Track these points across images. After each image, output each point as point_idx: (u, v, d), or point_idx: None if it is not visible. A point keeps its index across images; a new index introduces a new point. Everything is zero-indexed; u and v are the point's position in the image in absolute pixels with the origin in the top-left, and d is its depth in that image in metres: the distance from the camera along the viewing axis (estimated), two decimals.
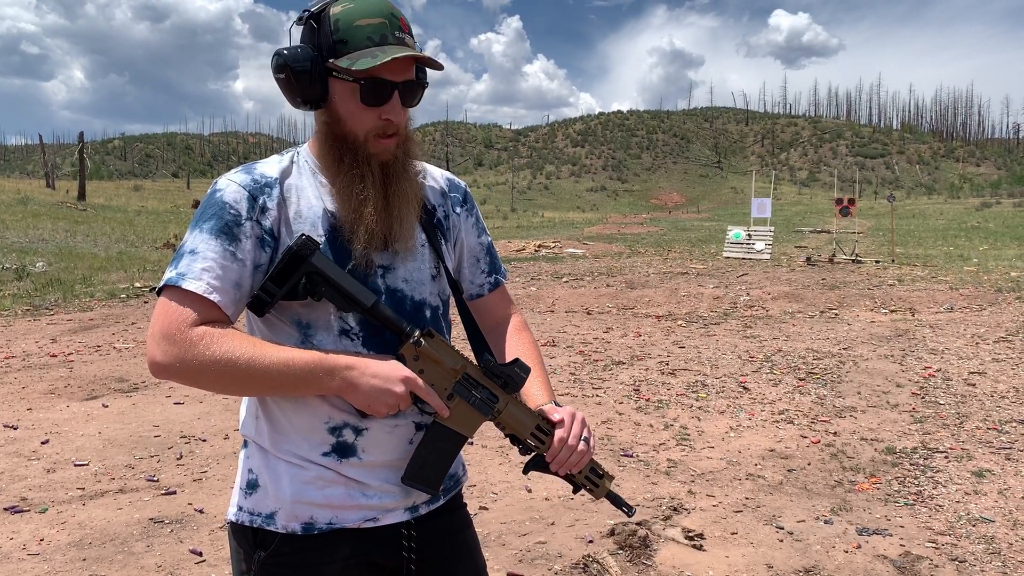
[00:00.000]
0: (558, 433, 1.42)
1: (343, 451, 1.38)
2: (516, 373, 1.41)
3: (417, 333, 1.36)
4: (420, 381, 1.34)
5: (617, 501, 1.48)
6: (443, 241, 1.52)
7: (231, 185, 1.35)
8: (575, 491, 1.48)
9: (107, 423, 5.46)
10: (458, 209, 1.59)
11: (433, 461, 1.40)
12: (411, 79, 1.37)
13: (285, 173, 1.40)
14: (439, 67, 1.39)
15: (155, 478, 4.44)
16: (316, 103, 1.37)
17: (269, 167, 1.41)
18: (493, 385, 1.41)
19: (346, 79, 1.34)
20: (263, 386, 1.31)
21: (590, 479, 1.45)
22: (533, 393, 1.51)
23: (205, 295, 1.28)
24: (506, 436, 1.44)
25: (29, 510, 3.95)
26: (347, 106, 1.36)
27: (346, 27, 1.33)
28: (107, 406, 5.90)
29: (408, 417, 1.40)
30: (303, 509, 1.37)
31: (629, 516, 1.51)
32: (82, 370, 7.07)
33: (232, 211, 1.32)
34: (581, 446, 1.42)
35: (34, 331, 9.07)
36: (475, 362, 1.43)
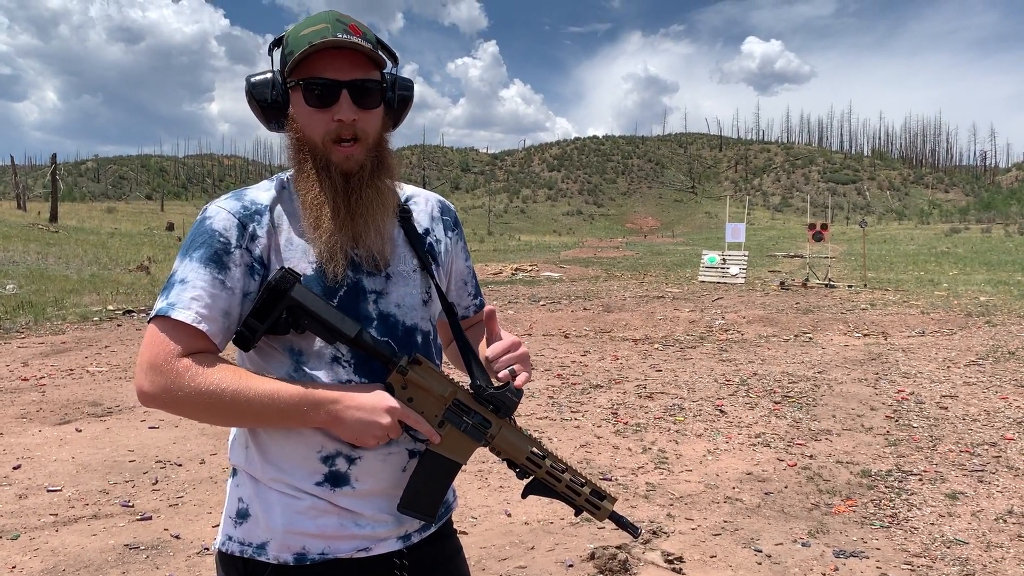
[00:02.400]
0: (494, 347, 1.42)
1: (336, 480, 1.36)
2: (508, 398, 1.38)
3: (404, 361, 1.35)
4: (407, 409, 1.34)
5: (622, 523, 1.45)
6: (434, 265, 1.52)
7: (220, 212, 1.35)
8: (577, 514, 1.45)
9: (81, 448, 5.39)
10: (449, 233, 1.59)
11: (427, 489, 1.39)
12: (360, 78, 1.35)
13: (275, 200, 1.40)
14: (379, 58, 1.37)
15: (130, 503, 4.38)
16: (278, 121, 1.40)
17: (259, 193, 1.40)
18: (485, 410, 1.39)
19: (296, 85, 1.35)
20: (249, 418, 1.31)
21: (591, 501, 1.42)
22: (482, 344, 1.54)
23: (194, 324, 1.28)
24: (502, 460, 1.43)
25: (1, 537, 3.89)
26: (300, 112, 1.36)
27: (293, 39, 1.35)
28: (80, 430, 5.82)
29: (401, 445, 1.39)
30: (295, 539, 1.36)
31: (635, 537, 1.49)
32: (55, 394, 6.97)
33: (221, 239, 1.32)
34: (521, 350, 1.42)
35: (4, 354, 8.93)
36: (466, 387, 1.42)
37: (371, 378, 1.38)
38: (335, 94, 1.33)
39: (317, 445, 1.36)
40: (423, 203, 1.57)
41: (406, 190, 1.56)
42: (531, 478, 1.43)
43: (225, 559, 1.41)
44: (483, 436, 1.39)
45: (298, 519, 1.36)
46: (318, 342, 1.35)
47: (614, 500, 1.45)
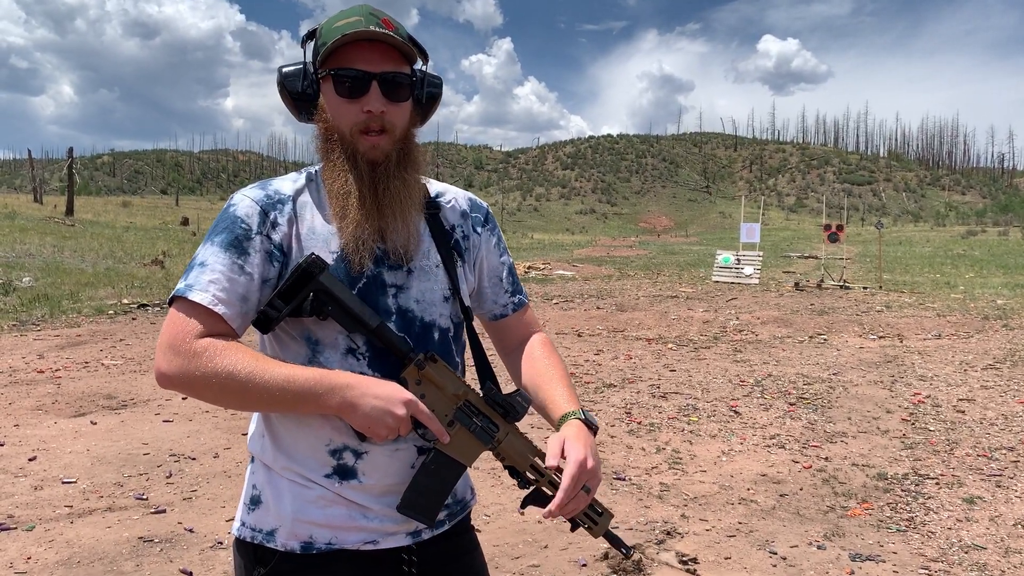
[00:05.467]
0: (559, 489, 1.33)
1: (344, 474, 1.37)
2: (518, 402, 1.37)
3: (421, 356, 1.34)
4: (422, 405, 1.32)
5: (615, 541, 1.43)
6: (460, 262, 1.51)
7: (244, 200, 1.37)
8: (572, 528, 1.42)
9: (95, 440, 5.41)
10: (479, 229, 1.57)
11: (430, 490, 1.37)
12: (390, 70, 1.36)
13: (300, 190, 1.42)
14: (410, 52, 1.39)
15: (144, 496, 4.39)
16: (308, 112, 1.41)
17: (284, 184, 1.42)
18: (494, 414, 1.38)
19: (327, 75, 1.37)
20: (263, 401, 1.30)
21: (589, 516, 1.40)
22: (557, 400, 1.47)
23: (210, 307, 1.28)
24: (505, 468, 1.40)
25: (16, 528, 3.91)
26: (330, 102, 1.38)
27: (326, 31, 1.37)
28: (95, 423, 5.85)
29: (410, 441, 1.38)
30: (303, 528, 1.36)
31: (627, 557, 1.48)
32: (70, 387, 7.01)
33: (243, 225, 1.34)
34: (580, 495, 1.34)
35: (20, 347, 8.99)
36: (477, 390, 1.41)
37: (384, 372, 1.37)
38: (365, 85, 1.35)
39: (326, 438, 1.36)
40: (451, 199, 1.56)
41: (435, 186, 1.56)
42: (532, 488, 1.40)
43: (239, 544, 1.44)
44: (491, 439, 1.38)
45: (307, 508, 1.37)
46: (335, 332, 1.36)
47: (610, 516, 1.42)
